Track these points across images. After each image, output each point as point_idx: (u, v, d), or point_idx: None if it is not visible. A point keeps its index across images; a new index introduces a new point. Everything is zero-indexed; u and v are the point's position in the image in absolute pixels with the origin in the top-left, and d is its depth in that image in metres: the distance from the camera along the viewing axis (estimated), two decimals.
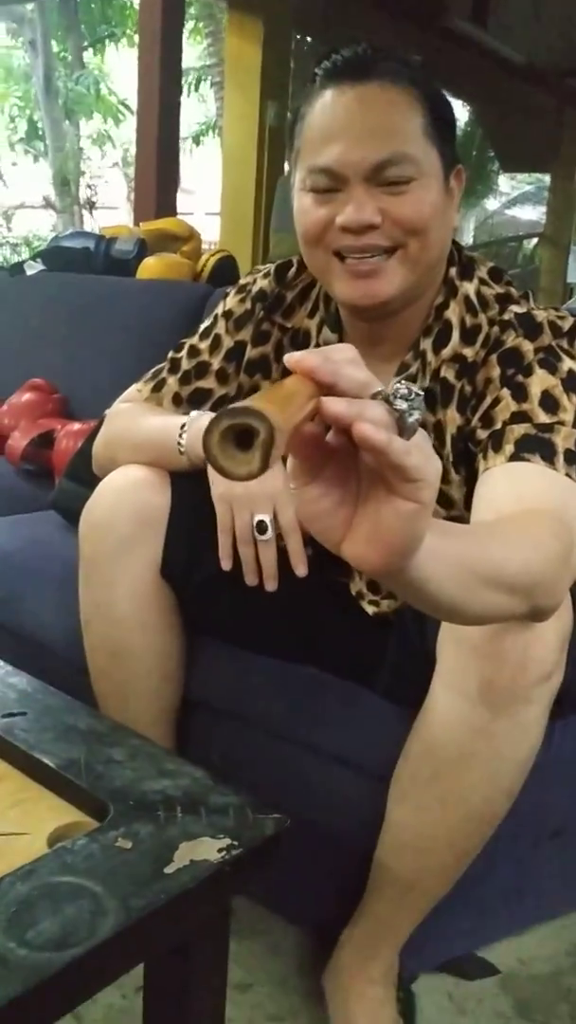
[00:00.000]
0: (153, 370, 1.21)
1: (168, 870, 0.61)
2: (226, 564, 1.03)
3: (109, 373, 1.83)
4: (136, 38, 3.71)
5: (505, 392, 0.96)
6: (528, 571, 0.72)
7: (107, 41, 12.00)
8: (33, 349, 2.23)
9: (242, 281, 1.18)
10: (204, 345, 1.16)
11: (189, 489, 1.06)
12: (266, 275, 1.14)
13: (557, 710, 0.92)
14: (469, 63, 6.02)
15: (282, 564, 1.02)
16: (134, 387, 1.22)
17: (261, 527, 1.01)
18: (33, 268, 2.44)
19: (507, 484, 0.89)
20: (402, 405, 0.52)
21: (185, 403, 1.16)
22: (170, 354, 1.20)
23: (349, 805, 1.03)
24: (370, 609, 1.10)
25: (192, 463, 1.05)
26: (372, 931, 1.02)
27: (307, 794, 1.05)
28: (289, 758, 1.09)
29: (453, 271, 1.04)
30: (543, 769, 0.94)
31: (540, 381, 0.95)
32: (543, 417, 0.92)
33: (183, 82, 3.91)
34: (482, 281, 1.04)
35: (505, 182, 12.65)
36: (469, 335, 1.02)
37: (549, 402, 0.93)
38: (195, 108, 11.42)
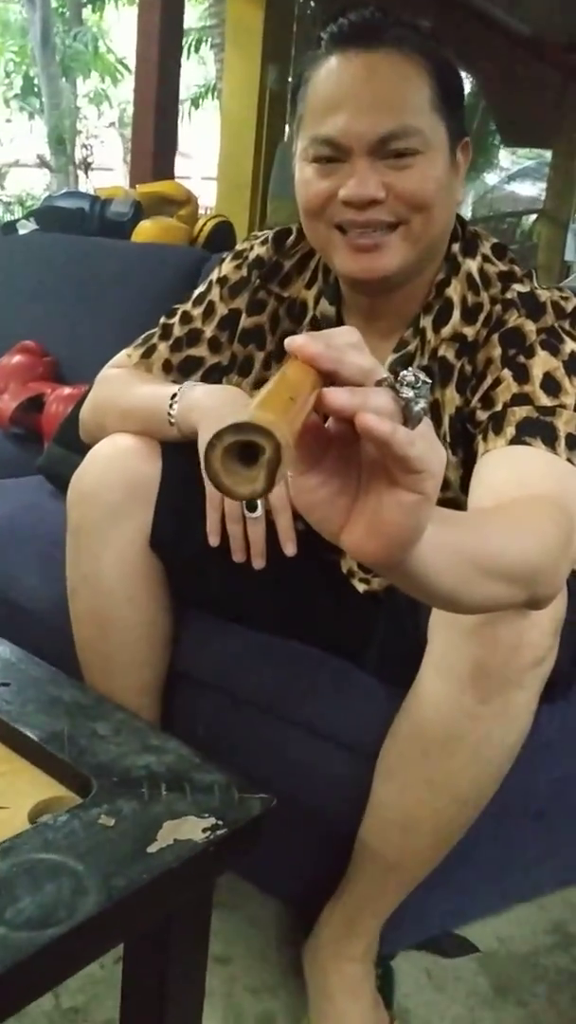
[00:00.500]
0: (144, 335, 1.18)
1: (151, 849, 0.60)
2: (214, 540, 1.01)
3: (101, 337, 1.81)
4: None
5: (506, 373, 0.94)
6: (527, 560, 0.71)
7: None
8: (24, 311, 2.19)
9: (239, 247, 1.15)
10: (197, 312, 1.14)
11: (180, 459, 1.04)
12: (264, 242, 1.12)
13: (545, 694, 0.91)
14: (474, 34, 5.93)
15: (271, 540, 1.01)
16: (124, 352, 1.19)
17: (251, 504, 0.99)
18: (26, 228, 2.40)
19: (507, 468, 0.88)
20: (408, 393, 0.50)
21: (175, 370, 1.14)
22: (162, 320, 1.17)
23: (335, 782, 1.03)
24: (360, 587, 1.09)
25: (183, 434, 1.03)
26: (353, 908, 1.01)
27: (293, 770, 1.05)
28: (275, 733, 1.08)
29: (456, 247, 1.01)
30: (528, 752, 0.93)
31: (542, 363, 0.93)
32: (544, 400, 0.91)
33: (183, 43, 3.82)
34: (485, 258, 1.02)
35: (506, 156, 12.53)
36: (470, 314, 1.00)
37: (551, 384, 0.92)
38: (195, 70, 11.23)
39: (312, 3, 5.20)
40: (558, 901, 1.26)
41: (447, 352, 1.00)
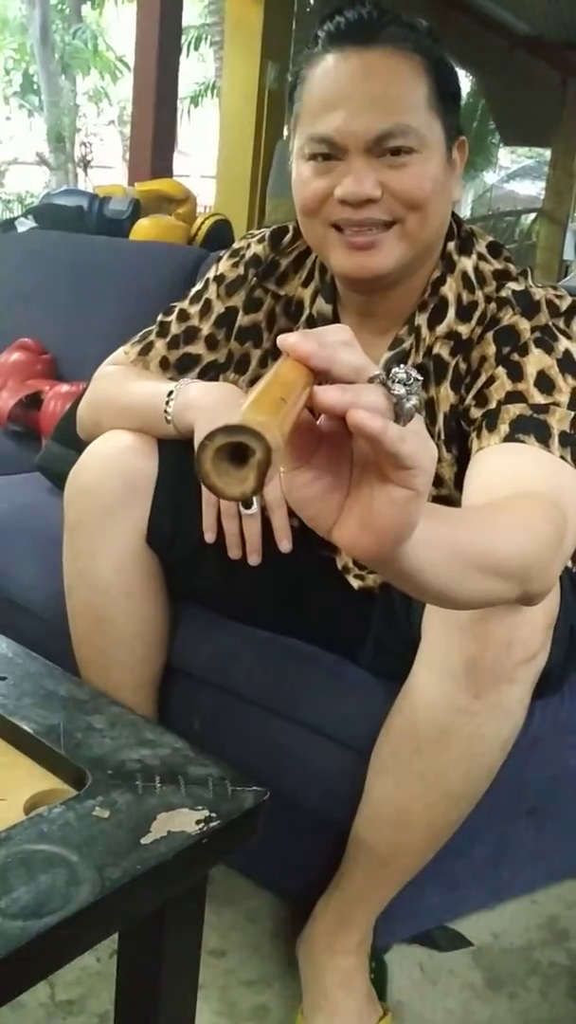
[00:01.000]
0: (141, 333, 1.19)
1: (145, 840, 0.61)
2: (209, 537, 1.02)
3: (99, 335, 1.81)
4: None
5: (500, 371, 0.95)
6: (520, 556, 0.71)
7: None
8: (22, 308, 2.19)
9: (236, 245, 1.16)
10: (194, 310, 1.15)
11: (176, 456, 1.05)
12: (260, 240, 1.12)
13: (538, 690, 0.92)
14: (473, 33, 5.93)
15: (266, 537, 1.02)
16: (121, 349, 1.20)
17: (246, 502, 0.99)
18: (24, 225, 2.40)
19: (501, 466, 0.88)
20: (400, 390, 0.50)
21: (172, 368, 1.15)
22: (159, 317, 1.18)
23: (329, 777, 1.04)
24: (355, 583, 1.10)
25: (179, 431, 1.04)
26: (347, 902, 1.02)
27: (287, 765, 1.05)
28: (270, 728, 1.08)
29: (451, 245, 1.02)
30: (522, 747, 0.94)
31: (536, 361, 0.94)
32: (538, 398, 0.91)
33: (182, 41, 3.83)
34: (480, 256, 1.02)
35: (505, 155, 12.53)
36: (465, 312, 1.00)
37: (545, 382, 0.92)
38: (194, 68, 11.23)
39: (311, 1, 5.20)
40: (551, 896, 1.27)
41: (442, 350, 1.00)
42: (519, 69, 6.82)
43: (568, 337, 0.96)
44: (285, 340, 0.50)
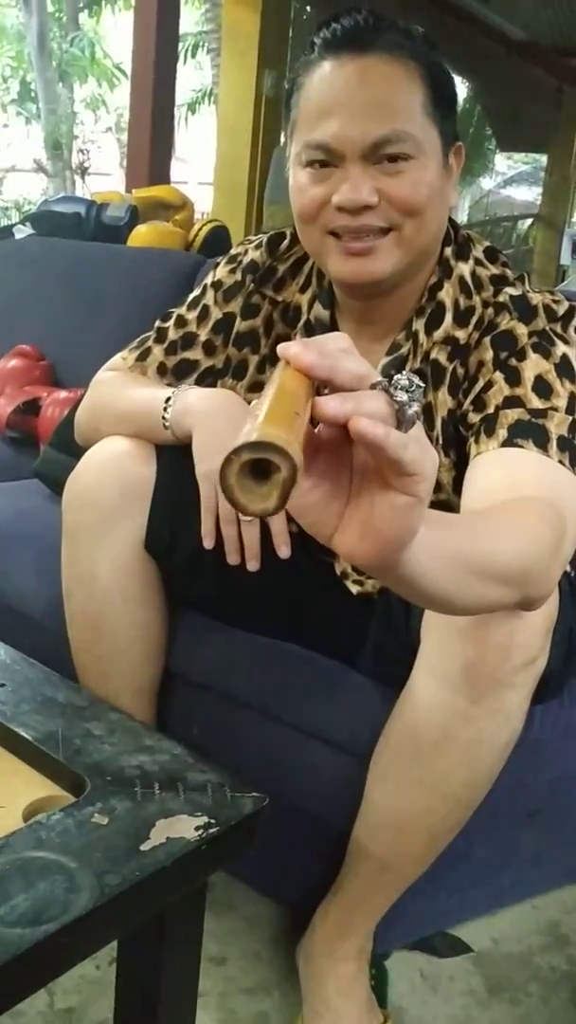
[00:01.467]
0: (139, 339, 1.19)
1: (144, 847, 0.61)
2: (208, 543, 1.02)
3: (97, 341, 1.81)
4: (132, 1, 3.64)
5: (498, 376, 0.95)
6: (520, 561, 0.71)
7: (103, 3, 11.81)
8: (20, 315, 2.19)
9: (233, 251, 1.16)
10: (192, 316, 1.15)
11: (175, 462, 1.05)
12: (258, 246, 1.12)
13: (538, 694, 0.92)
14: (469, 38, 5.95)
15: (265, 542, 1.02)
16: (119, 355, 1.20)
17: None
18: (22, 232, 2.40)
19: (499, 470, 0.88)
20: (402, 396, 0.51)
21: (170, 374, 1.15)
22: (157, 323, 1.18)
23: (329, 783, 1.03)
24: (354, 588, 1.10)
25: (177, 437, 1.04)
26: (347, 908, 1.02)
27: (287, 771, 1.05)
28: (270, 734, 1.08)
29: (448, 251, 1.02)
30: (521, 752, 0.94)
31: (534, 365, 0.94)
32: (536, 402, 0.91)
33: (179, 48, 3.84)
34: (477, 261, 1.03)
35: (502, 161, 12.57)
36: (462, 317, 1.00)
37: (542, 387, 0.92)
38: (192, 75, 11.26)
39: (308, 8, 5.22)
40: (551, 901, 1.26)
41: (439, 355, 1.00)
42: (515, 75, 6.85)
43: (565, 342, 0.96)
44: (286, 350, 0.50)
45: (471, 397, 0.97)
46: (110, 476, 1.04)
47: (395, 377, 0.51)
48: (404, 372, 0.52)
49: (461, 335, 1.00)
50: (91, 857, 0.59)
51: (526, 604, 0.77)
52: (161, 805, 0.66)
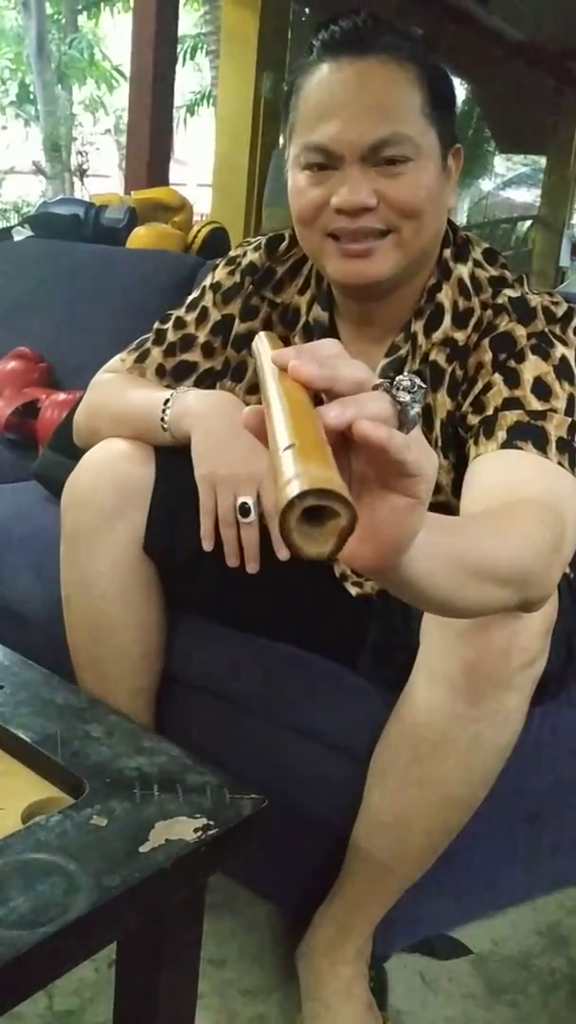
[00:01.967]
0: (138, 340, 1.19)
1: (143, 849, 0.61)
2: (207, 545, 1.01)
3: (96, 343, 1.81)
4: (131, 3, 3.64)
5: (497, 377, 0.95)
6: (519, 563, 0.71)
7: (102, 5, 11.82)
8: (19, 317, 2.19)
9: (232, 253, 1.16)
10: (190, 317, 1.15)
11: (173, 464, 1.05)
12: (257, 248, 1.12)
13: (537, 696, 0.92)
14: (468, 40, 5.95)
15: (264, 544, 1.02)
16: (117, 357, 1.20)
17: (244, 509, 0.99)
18: (21, 234, 2.40)
19: (498, 472, 0.88)
20: (404, 397, 0.50)
21: (169, 375, 1.15)
22: (156, 325, 1.18)
23: (327, 785, 1.03)
24: (353, 590, 1.10)
25: (175, 439, 1.04)
26: (346, 910, 1.02)
27: (286, 773, 1.05)
28: (269, 736, 1.08)
29: (447, 252, 1.02)
30: (521, 754, 0.94)
31: (533, 367, 0.94)
32: (535, 404, 0.91)
33: (178, 50, 3.84)
34: (476, 263, 1.03)
35: (501, 163, 12.59)
36: (461, 318, 1.00)
37: (541, 389, 0.92)
38: (190, 77, 11.27)
39: (307, 11, 5.22)
40: (551, 903, 1.26)
41: (438, 357, 1.00)
42: (514, 77, 6.85)
43: (564, 343, 0.96)
44: (282, 358, 0.50)
45: (470, 399, 0.97)
46: (108, 478, 1.04)
47: (397, 378, 0.51)
48: (406, 373, 0.52)
49: (460, 337, 1.00)
50: (90, 859, 0.59)
51: (526, 606, 0.77)
52: (160, 807, 0.66)
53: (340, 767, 1.02)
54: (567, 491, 0.86)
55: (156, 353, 1.15)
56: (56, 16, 11.64)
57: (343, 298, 1.05)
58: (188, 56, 10.32)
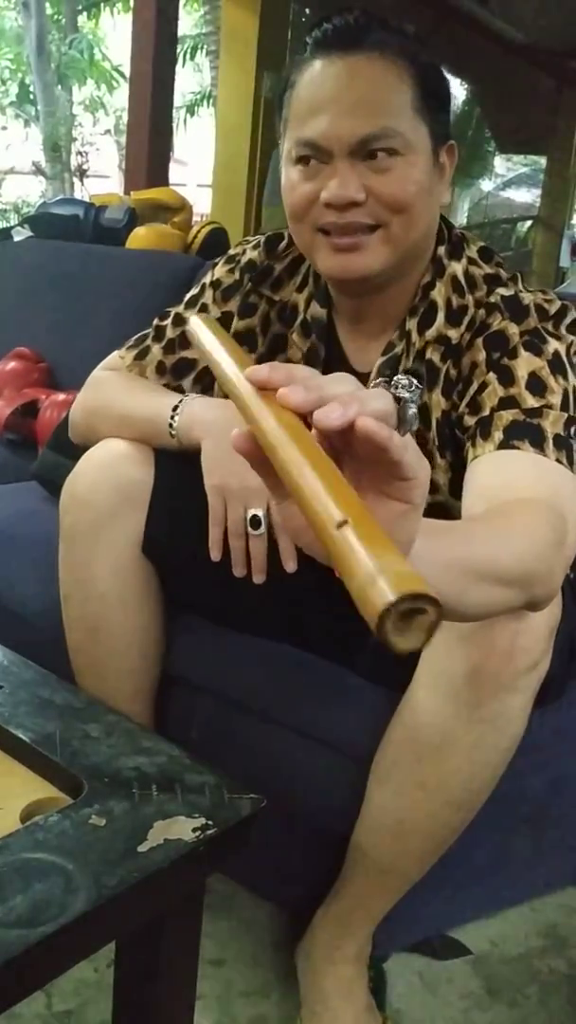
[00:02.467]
0: (136, 337, 1.19)
1: (142, 848, 0.61)
2: (215, 555, 1.02)
3: (96, 343, 1.80)
4: (131, 3, 3.65)
5: (492, 376, 0.95)
6: (522, 562, 0.71)
7: (102, 5, 11.82)
8: (19, 317, 2.19)
9: (231, 251, 1.16)
10: (190, 315, 1.15)
11: (173, 465, 1.05)
12: (256, 246, 1.13)
13: (538, 698, 0.91)
14: (468, 40, 5.95)
15: (269, 550, 1.01)
16: (116, 354, 1.19)
17: (255, 522, 1.00)
18: (20, 234, 2.40)
19: (497, 473, 0.88)
20: (404, 394, 0.50)
21: (168, 373, 1.15)
22: (155, 321, 1.18)
23: (329, 786, 1.03)
24: None
25: (182, 445, 1.04)
26: (346, 911, 1.02)
27: (287, 773, 1.05)
28: (269, 737, 1.08)
29: (442, 250, 1.02)
30: (522, 756, 0.94)
31: (526, 363, 0.94)
32: (531, 401, 0.91)
33: (178, 50, 3.84)
34: (471, 261, 1.03)
35: (501, 163, 12.58)
36: (455, 316, 1.00)
37: (536, 384, 0.93)
38: (190, 77, 11.27)
39: (307, 11, 5.22)
40: (551, 904, 1.26)
41: (433, 355, 1.00)
42: (514, 77, 6.85)
43: (558, 339, 0.96)
44: (257, 377, 0.50)
45: (466, 399, 0.97)
46: (107, 478, 1.04)
47: (395, 378, 0.51)
48: (402, 374, 0.52)
49: (453, 335, 1.00)
50: (88, 858, 0.59)
51: (532, 605, 0.77)
52: (159, 807, 0.66)
53: (341, 768, 1.02)
54: (566, 488, 0.86)
55: (156, 350, 1.15)
56: (56, 16, 11.64)
57: (338, 294, 1.05)
58: (188, 56, 10.32)
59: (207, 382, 1.14)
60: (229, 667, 1.13)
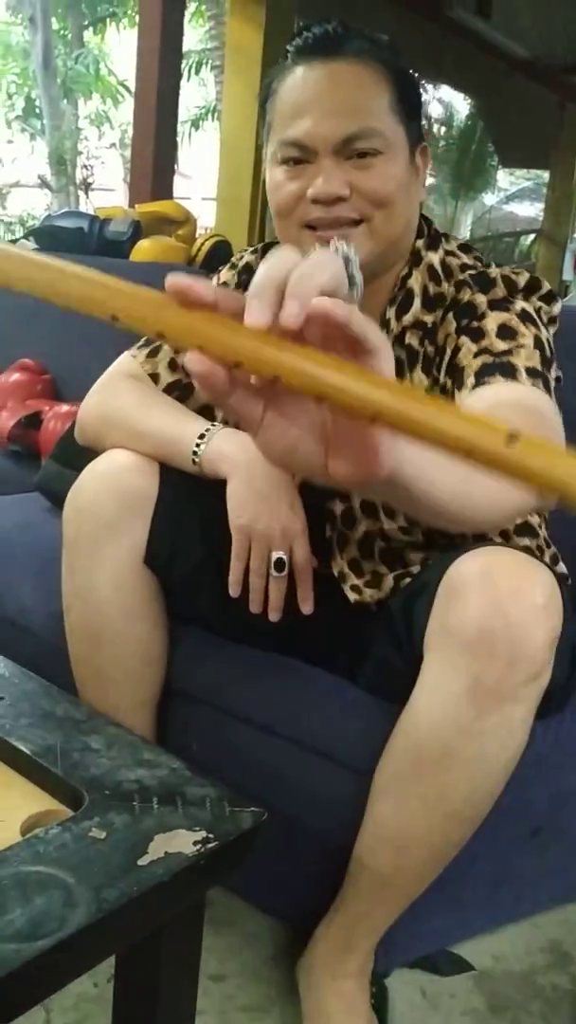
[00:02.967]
0: (146, 338, 1.19)
1: (142, 862, 0.60)
2: (235, 591, 1.03)
3: (99, 356, 1.80)
4: (137, 19, 3.67)
5: (464, 339, 0.98)
6: None
7: (108, 21, 11.92)
8: (23, 329, 2.20)
9: (233, 258, 1.21)
10: None
11: (177, 477, 1.04)
12: (254, 251, 1.18)
13: (540, 709, 0.91)
14: (472, 56, 5.99)
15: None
16: (128, 353, 1.19)
17: (279, 564, 1.02)
18: (25, 247, 2.41)
19: (473, 407, 0.87)
20: (345, 252, 0.49)
21: (181, 369, 1.15)
22: None
23: (330, 799, 1.03)
24: (352, 596, 1.09)
25: (203, 474, 1.04)
26: (348, 926, 1.01)
27: (287, 786, 1.05)
28: (270, 749, 1.08)
29: (420, 242, 1.07)
30: (524, 768, 0.93)
31: (495, 319, 0.97)
32: (501, 345, 0.94)
33: (183, 65, 3.86)
34: (448, 252, 1.07)
35: (504, 177, 12.64)
36: (431, 303, 1.05)
37: (506, 331, 0.96)
38: (195, 92, 11.34)
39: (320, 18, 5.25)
40: (553, 919, 1.25)
41: (412, 340, 1.04)
42: (517, 92, 6.89)
43: (526, 301, 1.01)
44: (181, 289, 0.46)
45: (444, 369, 1.01)
46: (111, 490, 1.04)
47: (333, 244, 0.49)
48: (336, 239, 0.50)
49: (429, 319, 1.04)
50: (89, 872, 0.59)
51: (541, 502, 0.76)
52: (159, 819, 0.65)
53: (342, 781, 1.01)
54: (544, 402, 0.87)
55: (167, 347, 1.16)
56: (62, 31, 11.74)
57: None
58: (193, 71, 10.39)
59: None
60: (229, 679, 1.12)
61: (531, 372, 0.90)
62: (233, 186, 4.34)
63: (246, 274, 1.15)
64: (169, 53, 3.49)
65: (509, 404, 0.85)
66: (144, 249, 2.27)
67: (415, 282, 1.05)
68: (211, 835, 0.64)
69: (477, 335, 0.97)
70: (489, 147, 9.31)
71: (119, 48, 12.17)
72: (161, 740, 1.14)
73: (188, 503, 1.04)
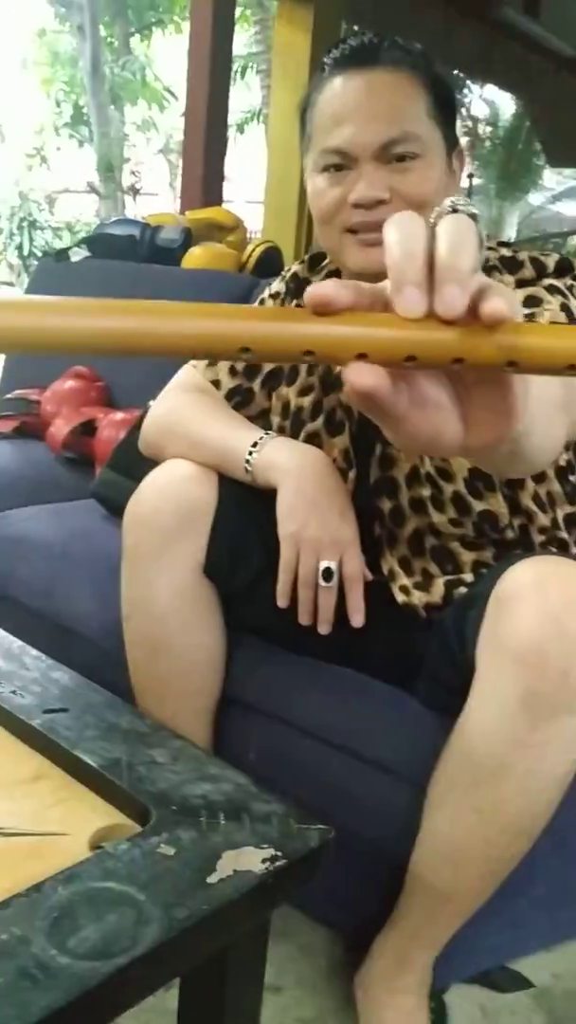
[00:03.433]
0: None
1: (211, 880, 0.60)
2: (283, 603, 1.03)
3: (152, 363, 1.83)
4: (184, 25, 3.69)
5: None
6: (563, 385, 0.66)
7: (154, 28, 12.03)
8: None
9: (284, 271, 1.23)
10: None
11: (235, 487, 1.05)
12: (301, 262, 1.20)
13: None
14: (519, 55, 5.94)
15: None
16: (188, 365, 1.23)
17: (327, 574, 1.02)
18: (78, 255, 2.44)
19: None
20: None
21: (241, 374, 1.19)
22: None
23: (386, 811, 1.02)
24: (400, 597, 1.08)
25: (255, 482, 1.06)
26: (405, 940, 1.00)
27: (343, 798, 1.04)
28: (326, 760, 1.07)
29: None
30: None
31: (520, 294, 0.97)
32: (524, 311, 0.94)
33: None
34: (488, 248, 1.06)
35: (550, 176, 12.49)
36: None
37: (531, 301, 0.96)
38: (239, 96, 11.38)
39: (356, 29, 5.25)
40: None
41: None
42: (564, 90, 6.80)
43: (556, 279, 1.00)
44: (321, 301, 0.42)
45: None
46: (171, 500, 1.05)
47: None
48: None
49: None
50: (159, 889, 0.59)
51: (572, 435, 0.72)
52: (226, 836, 0.65)
53: (398, 793, 1.00)
54: None
55: None
56: (109, 39, 11.86)
57: None
58: (239, 76, 10.44)
59: (271, 386, 1.18)
60: (287, 689, 1.12)
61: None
62: (282, 192, 4.34)
63: (294, 283, 1.19)
64: (219, 61, 3.50)
65: None
66: (195, 256, 2.27)
67: None
68: (279, 853, 0.63)
69: None
70: (535, 146, 9.22)
71: (164, 54, 12.28)
72: (218, 749, 1.14)
73: (246, 513, 1.04)
